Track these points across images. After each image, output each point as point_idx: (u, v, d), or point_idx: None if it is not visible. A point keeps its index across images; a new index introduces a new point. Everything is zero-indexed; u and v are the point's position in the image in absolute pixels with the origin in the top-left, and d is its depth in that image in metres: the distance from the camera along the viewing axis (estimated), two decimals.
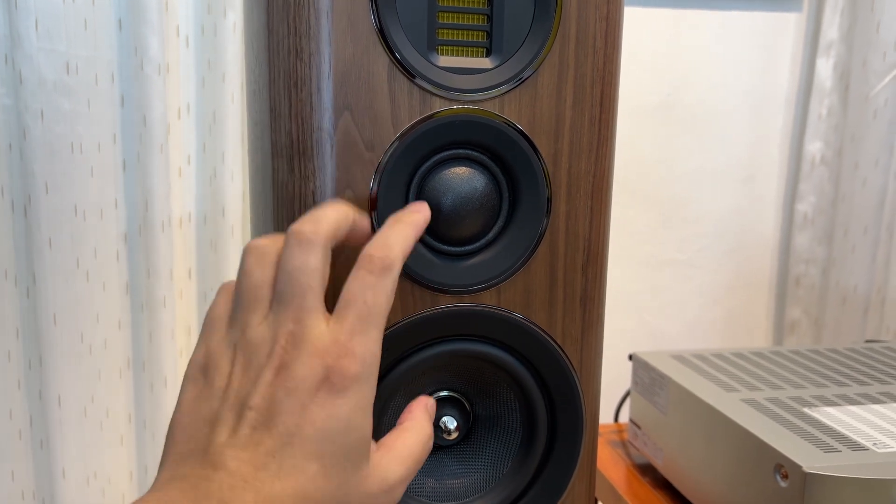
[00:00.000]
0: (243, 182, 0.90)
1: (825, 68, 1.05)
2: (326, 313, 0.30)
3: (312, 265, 0.30)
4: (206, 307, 0.92)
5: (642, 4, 1.02)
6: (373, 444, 0.31)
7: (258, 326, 0.30)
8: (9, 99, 0.83)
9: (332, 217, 0.31)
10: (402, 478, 0.31)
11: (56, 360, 0.86)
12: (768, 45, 1.07)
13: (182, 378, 0.33)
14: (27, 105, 0.82)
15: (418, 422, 0.34)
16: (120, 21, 0.86)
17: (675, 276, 1.12)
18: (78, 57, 0.85)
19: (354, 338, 0.29)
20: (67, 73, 0.84)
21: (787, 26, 1.08)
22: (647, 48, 1.03)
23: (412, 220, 0.32)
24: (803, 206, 1.09)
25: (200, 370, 0.31)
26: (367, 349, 0.29)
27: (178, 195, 0.89)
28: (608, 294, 1.12)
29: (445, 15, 0.35)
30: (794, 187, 1.10)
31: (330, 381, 0.29)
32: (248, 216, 0.92)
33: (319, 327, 0.29)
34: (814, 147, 1.07)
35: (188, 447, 0.29)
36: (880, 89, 1.02)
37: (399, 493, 0.32)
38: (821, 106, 1.06)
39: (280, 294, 0.30)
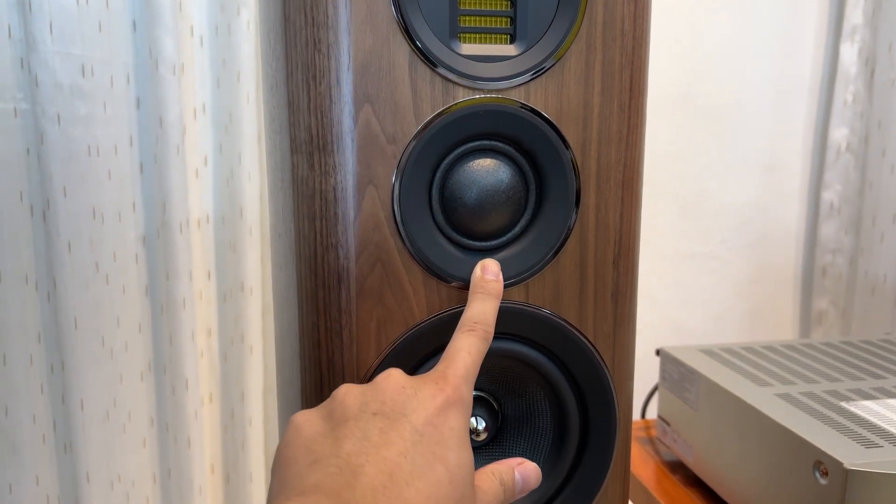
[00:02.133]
0: (261, 182, 0.89)
1: (849, 53, 1.02)
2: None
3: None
4: (226, 308, 0.92)
5: None
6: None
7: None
8: (25, 103, 0.83)
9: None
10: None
11: (78, 363, 0.86)
12: (790, 30, 1.05)
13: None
14: (44, 109, 0.82)
15: (501, 472, 0.34)
16: (134, 22, 0.85)
17: (698, 269, 1.10)
18: (93, 59, 0.84)
19: (463, 385, 0.33)
20: (83, 75, 0.84)
21: (810, 11, 1.05)
22: (666, 36, 1.01)
23: (498, 293, 0.36)
24: (829, 195, 1.06)
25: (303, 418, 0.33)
26: (468, 392, 0.33)
27: (196, 196, 0.89)
28: None
29: (468, 1, 0.33)
30: (818, 176, 1.08)
31: (443, 394, 0.32)
32: (266, 216, 0.91)
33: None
34: (839, 134, 1.04)
35: (311, 457, 0.30)
36: None
37: None
38: (846, 92, 1.03)
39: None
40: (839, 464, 0.44)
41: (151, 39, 0.84)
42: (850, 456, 0.45)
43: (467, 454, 0.31)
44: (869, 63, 1.02)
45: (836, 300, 1.09)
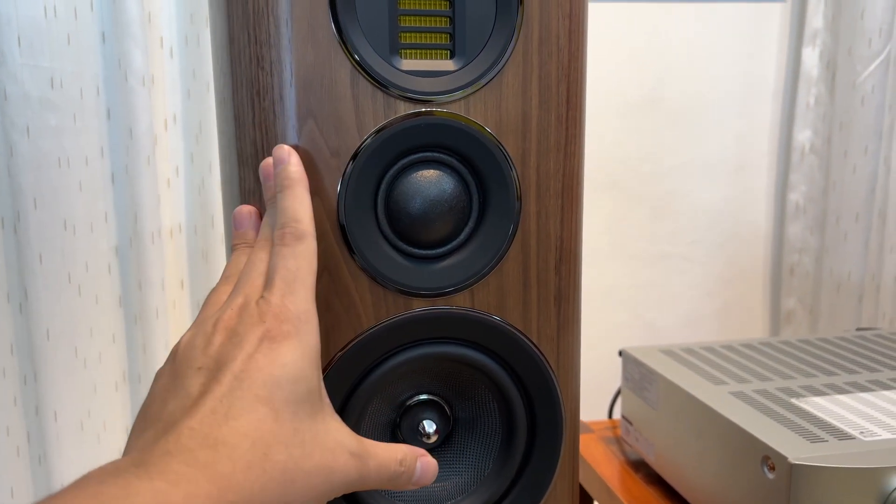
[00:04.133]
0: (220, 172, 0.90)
1: (811, 57, 1.05)
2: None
3: (259, 258, 0.34)
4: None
5: None
6: (336, 415, 0.33)
7: (222, 308, 0.33)
8: None
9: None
10: (358, 454, 0.32)
11: (51, 374, 0.86)
12: (753, 35, 1.07)
13: None
14: (13, 121, 0.82)
15: (406, 454, 0.34)
16: (103, 34, 0.86)
17: (668, 269, 1.12)
18: (62, 71, 0.85)
19: (285, 298, 0.32)
20: (52, 87, 0.84)
21: (772, 16, 1.07)
22: (631, 42, 1.03)
23: (297, 178, 0.34)
24: (795, 196, 1.09)
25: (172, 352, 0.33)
26: (297, 307, 0.32)
27: (168, 206, 0.90)
28: (602, 289, 1.11)
29: (407, 18, 0.35)
30: (784, 177, 1.10)
31: (270, 335, 0.31)
32: None
33: (258, 298, 0.32)
34: (803, 136, 1.07)
35: (144, 423, 0.30)
36: (867, 76, 1.02)
37: (357, 466, 0.32)
38: (808, 95, 1.05)
39: (238, 280, 0.34)
40: (784, 458, 0.46)
41: (121, 51, 0.85)
42: (796, 451, 0.46)
43: (303, 387, 0.30)
44: (830, 66, 1.05)
45: (803, 298, 1.12)
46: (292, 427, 0.29)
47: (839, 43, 1.04)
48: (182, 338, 0.33)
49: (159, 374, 0.33)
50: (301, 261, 0.33)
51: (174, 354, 0.33)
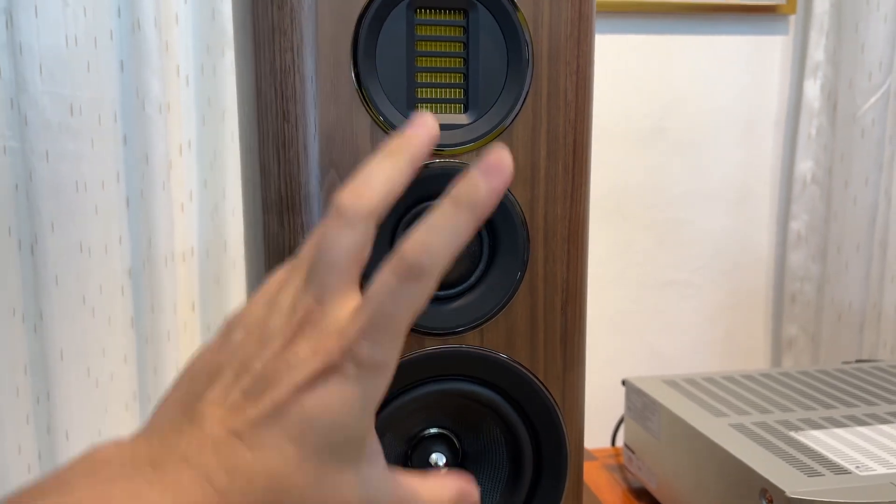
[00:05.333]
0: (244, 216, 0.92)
1: (813, 89, 1.07)
2: (354, 296, 0.28)
3: (344, 244, 0.28)
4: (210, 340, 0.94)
5: (633, 32, 1.04)
6: (379, 463, 0.30)
7: (288, 293, 0.29)
8: (15, 141, 0.85)
9: (378, 187, 0.28)
10: None
11: (64, 394, 0.88)
12: (756, 67, 1.10)
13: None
14: (33, 147, 0.85)
15: (446, 487, 0.31)
16: (122, 63, 0.88)
17: (672, 296, 1.13)
18: (81, 99, 0.87)
19: (363, 342, 0.27)
20: (71, 114, 0.87)
21: (774, 49, 1.10)
22: (637, 74, 1.06)
23: (485, 201, 0.27)
24: (796, 225, 1.10)
25: (230, 324, 0.30)
26: (375, 358, 0.27)
27: (181, 230, 0.92)
28: (606, 314, 1.13)
29: (423, 75, 0.37)
30: (786, 206, 1.12)
31: (328, 373, 0.27)
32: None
33: (336, 313, 0.28)
34: (805, 166, 1.08)
35: (182, 395, 0.29)
36: (867, 109, 1.04)
37: None
38: (810, 126, 1.07)
39: (311, 267, 0.28)
40: (782, 492, 0.47)
41: (139, 79, 0.87)
42: (793, 484, 0.48)
43: (342, 435, 0.27)
44: (831, 98, 1.07)
45: (805, 326, 1.13)
46: (315, 476, 0.27)
47: (840, 75, 1.06)
48: (242, 315, 0.30)
49: (210, 348, 0.30)
50: (402, 308, 0.27)
51: (238, 323, 0.30)
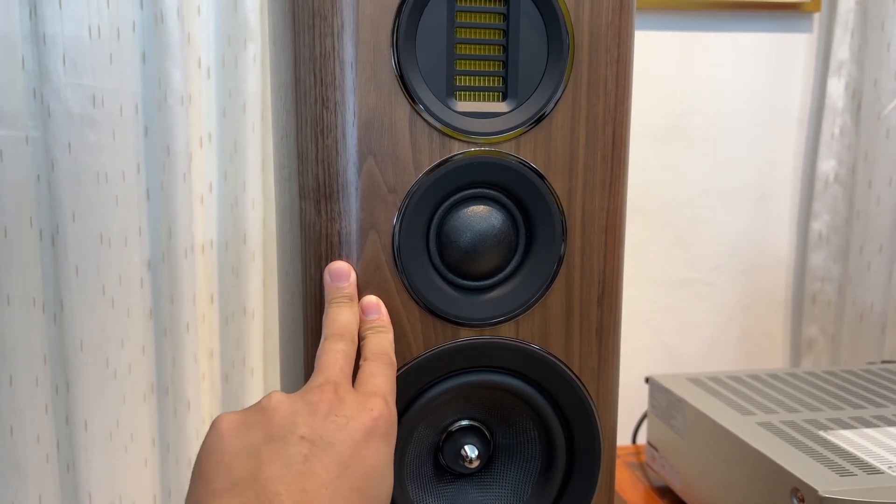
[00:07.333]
0: (264, 209, 0.92)
1: (837, 88, 1.05)
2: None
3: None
4: (228, 331, 0.94)
5: (653, 28, 1.03)
6: None
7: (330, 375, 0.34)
8: (37, 132, 0.86)
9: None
10: None
11: (82, 384, 0.88)
12: (779, 65, 1.08)
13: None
14: (55, 138, 0.85)
15: None
16: (144, 54, 0.88)
17: (690, 295, 1.12)
18: (103, 90, 0.87)
19: (392, 404, 0.33)
20: (93, 105, 0.87)
21: (798, 47, 1.09)
22: (659, 71, 1.05)
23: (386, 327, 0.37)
24: (818, 225, 1.09)
25: (259, 406, 0.32)
26: (394, 417, 0.33)
27: (201, 222, 0.91)
28: (624, 313, 1.13)
29: (463, 62, 0.36)
30: (808, 206, 1.11)
31: (377, 431, 0.32)
32: (268, 243, 0.94)
33: (374, 387, 0.34)
34: (827, 166, 1.07)
35: (230, 478, 0.29)
36: (892, 108, 1.03)
37: None
38: (833, 125, 1.06)
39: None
40: (815, 491, 0.47)
41: (160, 71, 0.87)
42: (826, 483, 0.47)
43: (387, 484, 0.32)
44: (855, 97, 1.06)
45: (825, 327, 1.12)
46: None
47: (865, 74, 1.05)
48: (279, 395, 0.32)
49: (235, 424, 0.31)
50: (392, 383, 0.35)
51: (268, 410, 0.31)
